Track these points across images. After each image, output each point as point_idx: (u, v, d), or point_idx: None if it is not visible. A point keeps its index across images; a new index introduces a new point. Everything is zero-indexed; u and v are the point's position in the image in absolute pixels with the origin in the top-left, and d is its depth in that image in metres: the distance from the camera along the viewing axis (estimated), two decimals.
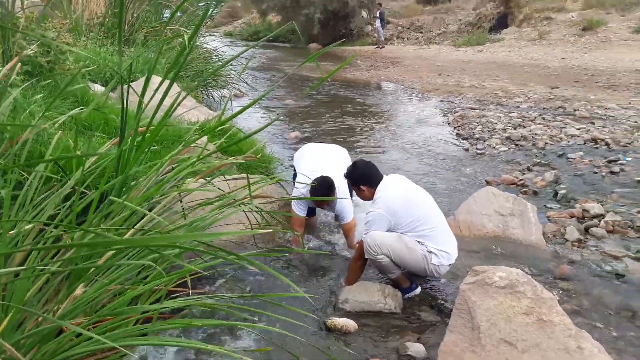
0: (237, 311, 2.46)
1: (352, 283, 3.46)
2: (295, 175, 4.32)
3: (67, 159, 2.83)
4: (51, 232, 2.27)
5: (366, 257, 3.35)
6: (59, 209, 2.56)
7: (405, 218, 3.29)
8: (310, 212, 4.43)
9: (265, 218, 3.32)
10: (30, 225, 2.23)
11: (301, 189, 4.01)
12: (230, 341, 2.83)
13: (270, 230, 2.40)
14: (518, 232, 4.25)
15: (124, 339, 1.91)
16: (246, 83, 9.80)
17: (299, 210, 4.11)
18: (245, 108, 2.30)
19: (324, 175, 3.93)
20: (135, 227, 2.23)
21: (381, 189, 3.41)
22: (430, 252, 3.27)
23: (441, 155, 7.24)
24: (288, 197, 3.74)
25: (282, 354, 2.62)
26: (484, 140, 7.85)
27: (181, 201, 2.98)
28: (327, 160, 4.29)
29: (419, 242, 3.29)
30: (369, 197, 3.47)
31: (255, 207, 2.71)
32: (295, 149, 4.69)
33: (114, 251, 1.93)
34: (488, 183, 5.93)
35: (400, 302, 3.35)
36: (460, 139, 8.17)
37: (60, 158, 2.44)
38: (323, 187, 3.83)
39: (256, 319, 2.86)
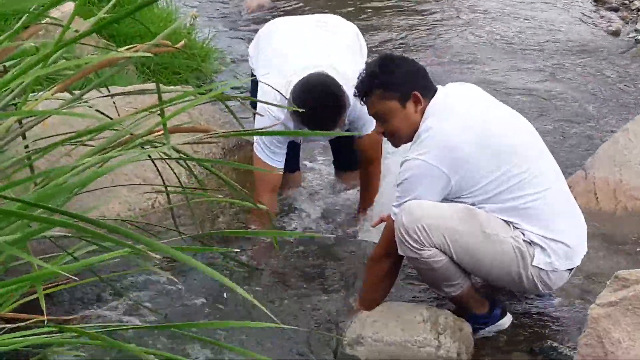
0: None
1: (371, 306, 3.54)
2: (255, 87, 4.28)
3: None
4: None
5: (400, 252, 3.39)
6: None
7: (482, 173, 3.32)
8: (291, 161, 4.49)
9: (196, 175, 3.33)
10: None
11: (275, 111, 3.99)
12: None
13: (206, 199, 2.41)
14: None
15: None
16: None
17: (269, 157, 4.11)
18: None
19: (320, 72, 3.92)
20: None
21: (432, 114, 3.41)
22: (530, 242, 3.33)
23: (563, 44, 7.28)
24: (245, 131, 3.70)
25: None
26: None
27: (24, 136, 3.00)
28: (319, 46, 4.27)
29: (507, 222, 3.35)
30: (414, 127, 3.47)
31: (175, 150, 2.71)
32: (255, 32, 4.67)
33: None
34: None
35: (470, 343, 3.43)
36: (602, 11, 8.18)
37: None
38: (322, 101, 3.82)
39: None
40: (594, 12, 8.24)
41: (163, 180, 3.12)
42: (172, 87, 4.40)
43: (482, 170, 3.31)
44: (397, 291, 3.73)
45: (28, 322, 2.77)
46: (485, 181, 3.32)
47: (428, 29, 7.60)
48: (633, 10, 8.07)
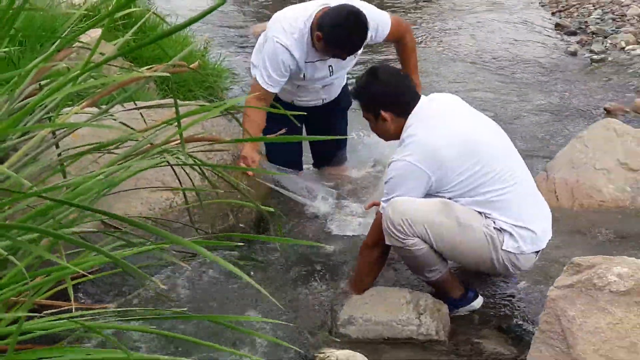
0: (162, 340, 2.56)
1: (361, 290, 3.66)
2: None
3: None
4: None
5: (387, 242, 3.47)
6: None
7: (458, 172, 3.42)
8: (295, 161, 4.70)
9: (209, 178, 3.37)
10: None
11: (282, 39, 4.12)
12: None
13: (217, 201, 2.43)
14: None
15: None
16: None
17: (267, 83, 4.15)
18: None
19: (347, 3, 4.05)
20: None
21: (416, 121, 3.51)
22: (500, 230, 3.42)
23: (527, 63, 7.38)
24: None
25: None
26: (605, 37, 7.92)
27: (57, 145, 3.03)
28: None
29: (480, 213, 3.45)
30: (394, 135, 3.62)
31: (190, 157, 2.72)
32: None
33: None
34: (608, 112, 6.02)
35: (447, 323, 3.53)
36: (562, 34, 8.27)
37: None
38: (353, 25, 3.96)
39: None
40: (554, 33, 8.40)
41: (180, 183, 3.18)
42: (187, 102, 4.46)
43: (458, 169, 3.41)
44: (384, 277, 3.83)
45: (60, 308, 2.88)
46: (461, 178, 3.42)
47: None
48: (589, 34, 8.23)
